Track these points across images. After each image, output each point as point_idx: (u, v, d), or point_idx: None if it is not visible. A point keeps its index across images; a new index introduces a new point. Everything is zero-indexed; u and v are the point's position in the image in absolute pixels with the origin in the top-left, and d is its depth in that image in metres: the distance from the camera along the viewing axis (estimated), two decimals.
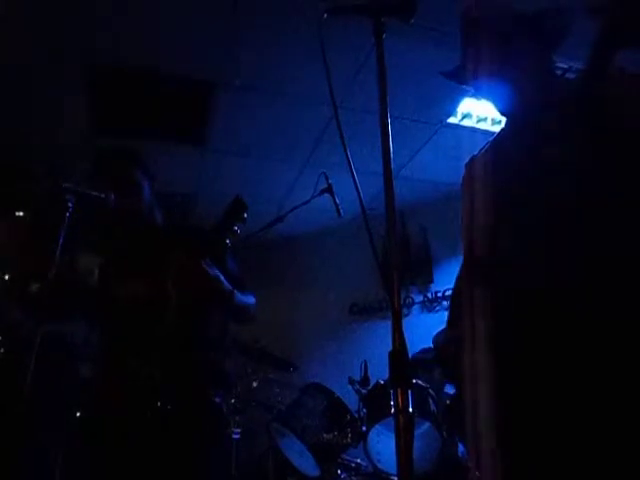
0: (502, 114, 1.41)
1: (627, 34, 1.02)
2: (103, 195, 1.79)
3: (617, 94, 1.13)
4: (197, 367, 1.86)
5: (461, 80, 1.43)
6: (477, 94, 1.45)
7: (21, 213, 3.80)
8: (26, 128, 3.49)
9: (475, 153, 1.46)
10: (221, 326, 2.02)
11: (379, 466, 2.62)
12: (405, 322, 0.86)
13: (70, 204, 1.66)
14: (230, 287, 1.81)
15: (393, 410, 0.79)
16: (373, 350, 2.48)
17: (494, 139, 1.43)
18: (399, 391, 0.78)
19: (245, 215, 1.65)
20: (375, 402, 2.70)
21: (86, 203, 1.75)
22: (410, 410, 0.78)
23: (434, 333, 2.14)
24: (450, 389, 2.76)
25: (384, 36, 1.01)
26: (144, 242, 1.97)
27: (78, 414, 2.01)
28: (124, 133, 3.56)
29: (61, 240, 1.64)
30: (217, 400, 1.89)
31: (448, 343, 1.41)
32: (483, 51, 1.30)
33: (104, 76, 3.04)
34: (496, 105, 1.39)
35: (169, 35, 2.75)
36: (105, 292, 1.93)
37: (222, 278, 1.78)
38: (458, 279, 1.51)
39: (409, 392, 0.79)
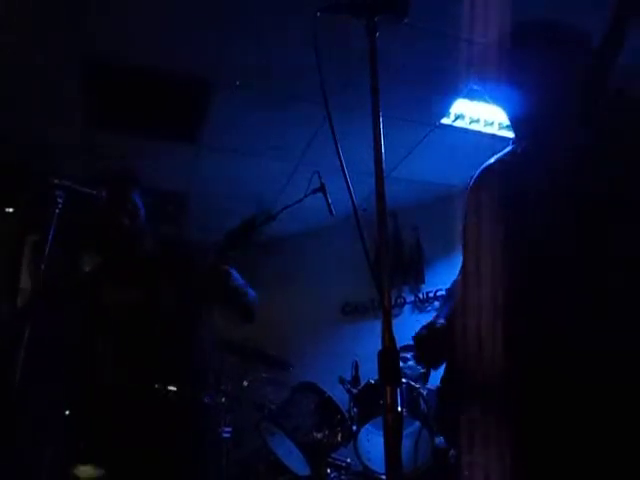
0: (512, 121, 1.39)
1: None
2: (94, 192, 1.78)
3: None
4: (185, 369, 1.86)
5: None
6: (489, 98, 1.43)
7: (11, 209, 3.77)
8: (23, 126, 3.47)
9: (484, 164, 1.43)
10: (210, 328, 2.04)
11: (369, 465, 2.62)
12: (396, 322, 0.86)
13: (60, 200, 1.65)
14: (245, 287, 1.94)
15: (382, 408, 0.79)
16: (364, 350, 2.49)
17: (505, 151, 1.39)
18: (388, 389, 0.78)
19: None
20: (366, 402, 2.70)
21: (77, 200, 1.75)
22: (399, 408, 0.78)
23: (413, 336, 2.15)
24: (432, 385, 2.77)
25: (377, 35, 1.01)
26: (132, 255, 1.99)
27: (67, 412, 2.00)
28: (119, 131, 3.54)
29: (50, 237, 1.63)
30: (206, 400, 1.90)
31: (425, 331, 1.39)
32: (497, 55, 1.30)
33: (101, 74, 3.03)
34: (506, 111, 1.37)
35: (165, 34, 2.74)
36: (96, 297, 1.93)
37: (237, 278, 1.93)
38: (455, 282, 1.50)
39: (398, 390, 0.79)
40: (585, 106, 1.20)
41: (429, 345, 1.33)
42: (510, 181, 1.28)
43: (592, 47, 1.24)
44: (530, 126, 1.33)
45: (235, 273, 1.92)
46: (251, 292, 1.99)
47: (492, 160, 1.40)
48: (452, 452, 2.62)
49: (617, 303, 1.03)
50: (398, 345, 0.82)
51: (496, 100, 1.41)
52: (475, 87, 1.43)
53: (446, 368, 1.34)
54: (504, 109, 1.39)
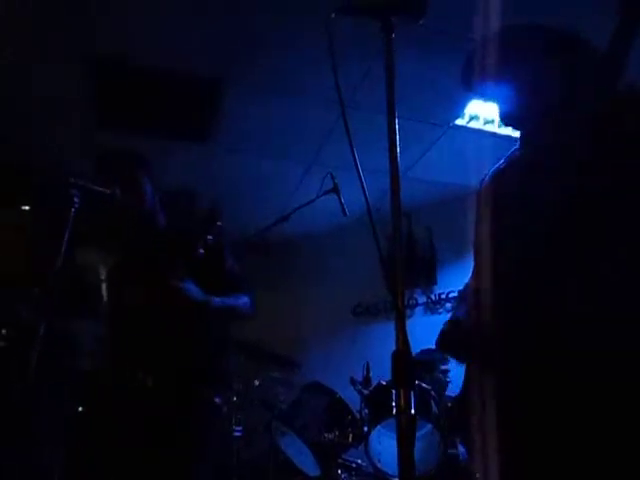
0: (504, 121, 1.40)
1: None
2: (109, 191, 1.80)
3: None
4: (196, 369, 1.87)
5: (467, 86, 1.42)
6: (484, 97, 1.44)
7: (27, 207, 3.81)
8: (27, 127, 3.50)
9: (493, 167, 1.43)
10: (221, 328, 2.04)
11: (380, 467, 2.61)
12: (408, 324, 0.85)
13: (76, 199, 1.67)
14: (203, 298, 1.83)
15: (395, 410, 0.78)
16: (375, 351, 2.48)
17: (512, 153, 1.40)
18: (401, 391, 0.77)
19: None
20: (377, 403, 2.69)
21: (92, 198, 1.76)
22: (412, 410, 0.78)
23: (437, 335, 2.14)
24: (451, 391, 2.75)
25: (393, 36, 1.01)
26: (147, 246, 1.99)
27: (80, 409, 2.02)
28: (128, 131, 3.55)
29: (66, 236, 1.65)
30: (217, 400, 1.91)
31: (449, 332, 1.40)
32: (488, 57, 1.30)
33: (107, 73, 3.05)
34: (500, 111, 1.38)
35: (175, 33, 2.74)
36: (111, 296, 1.96)
37: (192, 291, 1.81)
38: (467, 285, 1.50)
39: (411, 392, 0.78)
40: (584, 107, 1.20)
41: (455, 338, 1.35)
42: (515, 182, 1.28)
43: (593, 52, 1.24)
44: (523, 127, 1.35)
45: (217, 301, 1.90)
46: (240, 301, 1.98)
47: (501, 162, 1.41)
48: (463, 453, 2.61)
49: (616, 297, 1.03)
50: (413, 349, 0.81)
51: (486, 98, 1.42)
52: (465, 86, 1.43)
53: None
54: (497, 107, 1.40)
